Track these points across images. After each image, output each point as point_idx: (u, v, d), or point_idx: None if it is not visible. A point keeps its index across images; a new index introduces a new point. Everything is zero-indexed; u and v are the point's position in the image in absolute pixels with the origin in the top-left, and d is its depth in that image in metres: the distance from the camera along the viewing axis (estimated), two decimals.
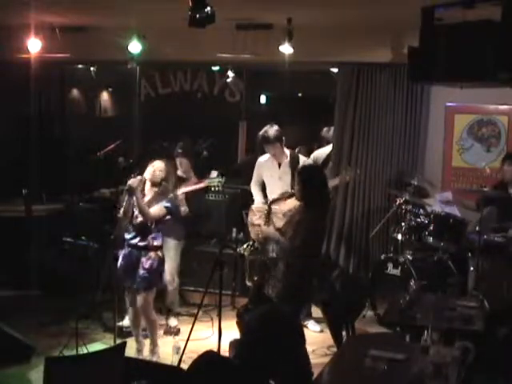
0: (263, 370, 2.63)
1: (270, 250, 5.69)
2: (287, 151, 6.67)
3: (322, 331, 6.43)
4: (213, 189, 7.31)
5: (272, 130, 6.46)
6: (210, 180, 6.92)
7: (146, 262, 5.47)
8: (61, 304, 6.40)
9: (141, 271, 5.48)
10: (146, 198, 5.54)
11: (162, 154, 6.46)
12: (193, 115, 9.38)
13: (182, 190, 6.47)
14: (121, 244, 5.67)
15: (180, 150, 6.85)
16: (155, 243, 5.54)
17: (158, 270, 5.59)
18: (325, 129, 7.97)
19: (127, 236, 5.56)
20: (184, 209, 6.48)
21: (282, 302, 4.83)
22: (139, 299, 5.54)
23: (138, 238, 5.51)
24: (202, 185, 6.74)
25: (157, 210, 5.50)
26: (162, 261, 5.63)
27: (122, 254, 5.59)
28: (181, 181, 6.59)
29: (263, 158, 6.76)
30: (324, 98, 8.84)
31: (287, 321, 2.81)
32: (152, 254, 5.51)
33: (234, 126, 9.13)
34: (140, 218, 5.49)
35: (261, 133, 6.53)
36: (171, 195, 5.73)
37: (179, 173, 6.74)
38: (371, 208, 7.56)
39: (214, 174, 8.06)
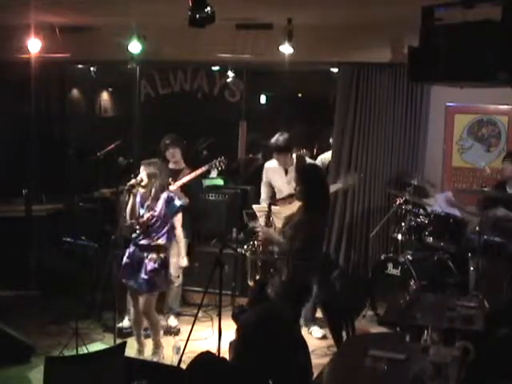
0: (262, 369, 2.62)
1: (270, 250, 5.68)
2: (293, 155, 6.51)
3: (325, 336, 6.34)
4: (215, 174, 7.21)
5: (283, 138, 6.24)
6: (209, 164, 6.78)
7: (148, 264, 5.42)
8: (61, 304, 6.41)
9: (142, 274, 5.43)
10: (149, 201, 5.52)
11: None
12: (193, 115, 9.37)
13: (177, 184, 6.37)
14: (123, 244, 5.68)
15: (168, 141, 6.71)
16: (159, 241, 5.49)
17: (160, 272, 5.49)
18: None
19: (134, 235, 5.54)
20: (183, 200, 6.34)
21: (282, 302, 4.82)
22: (141, 300, 5.51)
23: (144, 237, 5.50)
24: (202, 169, 6.64)
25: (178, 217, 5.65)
26: (164, 262, 5.54)
27: (127, 251, 5.56)
28: (173, 173, 6.49)
29: (271, 164, 6.58)
30: (324, 98, 8.84)
31: (285, 320, 2.81)
32: (155, 255, 5.44)
33: (233, 125, 9.12)
34: (145, 218, 5.47)
35: (272, 141, 6.32)
36: (171, 191, 5.70)
37: (171, 166, 6.65)
38: (371, 208, 7.56)
39: (214, 173, 8.06)
